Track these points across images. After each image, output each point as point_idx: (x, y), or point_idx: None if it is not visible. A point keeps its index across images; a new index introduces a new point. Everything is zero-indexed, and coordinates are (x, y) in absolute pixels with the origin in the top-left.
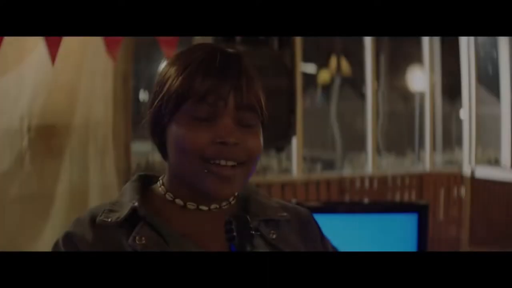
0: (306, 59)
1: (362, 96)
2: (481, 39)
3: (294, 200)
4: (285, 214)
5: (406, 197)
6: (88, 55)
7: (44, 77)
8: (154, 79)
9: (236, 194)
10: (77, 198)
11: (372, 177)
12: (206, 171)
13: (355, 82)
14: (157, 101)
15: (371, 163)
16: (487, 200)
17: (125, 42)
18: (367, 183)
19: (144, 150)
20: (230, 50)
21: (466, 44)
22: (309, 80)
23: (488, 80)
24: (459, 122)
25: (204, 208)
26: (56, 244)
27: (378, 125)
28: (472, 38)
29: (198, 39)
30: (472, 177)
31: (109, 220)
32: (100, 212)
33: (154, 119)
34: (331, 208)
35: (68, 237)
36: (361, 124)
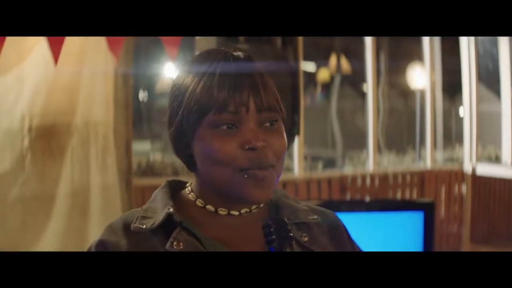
0: (306, 57)
1: (362, 94)
2: (481, 36)
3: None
4: (315, 217)
5: (407, 195)
6: (88, 55)
7: (44, 77)
8: (155, 78)
9: (266, 201)
10: (78, 198)
11: (373, 175)
12: (245, 176)
13: (355, 80)
14: (177, 117)
15: (372, 161)
16: (488, 197)
17: (126, 41)
18: (368, 181)
19: (144, 149)
20: (240, 54)
21: (467, 42)
22: (309, 78)
23: (489, 78)
24: (459, 119)
25: (235, 213)
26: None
27: (378, 123)
28: (472, 36)
29: (200, 39)
30: (473, 174)
31: (144, 226)
32: (133, 219)
33: (177, 134)
34: (333, 206)
35: (102, 244)
36: (361, 122)
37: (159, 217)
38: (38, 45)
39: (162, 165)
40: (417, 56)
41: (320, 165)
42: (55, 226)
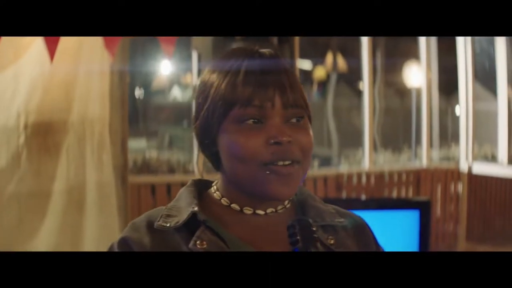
0: (303, 55)
1: (358, 93)
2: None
3: None
4: (342, 219)
5: (403, 193)
6: (84, 52)
7: (40, 74)
8: (151, 76)
9: (291, 197)
10: (73, 195)
11: (369, 173)
12: (268, 172)
13: (351, 79)
14: (202, 112)
15: (367, 159)
16: (484, 196)
17: (121, 40)
18: (364, 180)
19: (140, 147)
20: (266, 51)
21: (463, 41)
22: (306, 76)
23: (485, 76)
24: (455, 118)
25: (261, 212)
26: (111, 249)
27: (374, 121)
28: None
29: (196, 39)
30: (469, 173)
31: (168, 225)
32: (157, 217)
33: (202, 130)
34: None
35: (124, 241)
36: (357, 120)
37: (183, 215)
38: (35, 42)
39: (158, 163)
40: (414, 54)
41: (316, 163)
42: (50, 223)
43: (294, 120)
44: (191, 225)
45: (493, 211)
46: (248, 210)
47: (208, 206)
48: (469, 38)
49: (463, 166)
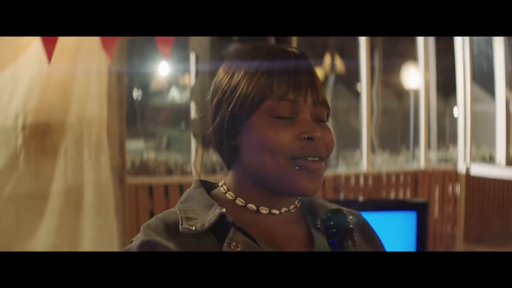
0: None
1: (356, 94)
2: (476, 37)
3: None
4: (351, 217)
5: (400, 195)
6: (82, 53)
7: (38, 75)
8: (149, 77)
9: (316, 193)
10: (71, 196)
11: (366, 174)
12: (296, 167)
13: (349, 80)
14: (231, 106)
15: (365, 161)
16: (482, 197)
17: (120, 40)
18: (361, 181)
19: (138, 148)
20: (295, 50)
21: (461, 42)
22: None
23: (483, 78)
24: (453, 119)
25: (276, 211)
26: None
27: (372, 122)
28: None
29: (194, 38)
30: (467, 175)
31: (194, 228)
32: (174, 219)
33: (225, 124)
34: None
35: (149, 245)
36: (355, 121)
37: (208, 217)
38: (33, 43)
39: (155, 164)
40: (412, 55)
41: None
42: (48, 224)
43: (320, 118)
44: (217, 227)
45: (491, 212)
46: (264, 210)
47: (226, 206)
48: (467, 40)
49: (461, 168)
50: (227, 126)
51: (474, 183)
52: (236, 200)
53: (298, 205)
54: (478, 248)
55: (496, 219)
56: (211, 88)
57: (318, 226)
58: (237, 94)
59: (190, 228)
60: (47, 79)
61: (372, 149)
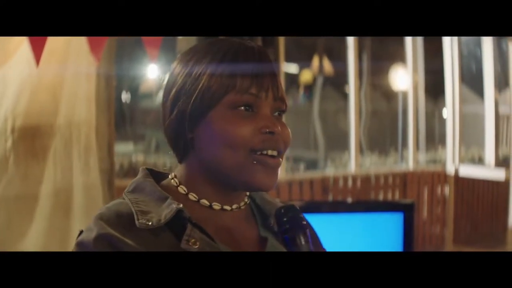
0: (288, 58)
1: (344, 96)
2: (464, 37)
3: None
4: (299, 214)
5: (389, 196)
6: (71, 56)
7: (27, 78)
8: (137, 80)
9: (272, 189)
10: (60, 198)
11: (355, 176)
12: (254, 162)
13: (337, 82)
14: (192, 98)
15: (354, 162)
16: (471, 198)
17: (108, 43)
18: (350, 182)
19: (127, 150)
20: (253, 44)
21: (450, 43)
22: (292, 80)
23: (472, 79)
24: (442, 120)
25: (227, 207)
26: (81, 246)
27: (361, 124)
28: (455, 37)
29: (181, 40)
30: (456, 176)
31: (150, 223)
32: (126, 211)
33: (184, 116)
34: (315, 207)
35: (105, 238)
36: (344, 123)
37: (164, 212)
38: (22, 46)
39: (144, 166)
40: (400, 57)
41: (302, 166)
42: (38, 226)
43: (277, 113)
44: (173, 222)
45: (480, 213)
46: (216, 206)
47: (181, 200)
48: (456, 41)
49: (450, 169)
50: (187, 118)
51: (463, 184)
52: (189, 195)
53: (248, 202)
54: (468, 249)
55: (485, 220)
56: (166, 81)
57: (271, 224)
58: (198, 87)
59: (147, 223)
60: (36, 82)
61: (360, 150)
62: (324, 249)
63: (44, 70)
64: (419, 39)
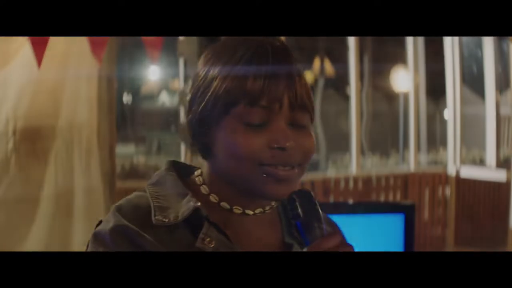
0: None
1: (346, 97)
2: (465, 39)
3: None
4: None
5: (390, 198)
6: (72, 57)
7: (29, 80)
8: (139, 81)
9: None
10: (62, 200)
11: (356, 177)
12: (264, 175)
13: (338, 83)
14: (204, 101)
15: (355, 164)
16: (472, 199)
17: (109, 44)
18: (351, 184)
19: (128, 152)
20: (277, 42)
21: (451, 44)
22: None
23: (473, 80)
24: (443, 122)
25: (250, 212)
26: (102, 239)
27: (362, 125)
28: (456, 38)
29: (182, 42)
30: (457, 177)
31: (167, 220)
32: (145, 205)
33: (196, 120)
34: None
35: (122, 230)
36: (345, 124)
37: (182, 209)
38: (23, 48)
39: (145, 168)
40: (401, 58)
41: None
42: (39, 229)
43: (299, 123)
44: (190, 220)
45: (481, 214)
46: (237, 210)
47: (200, 199)
48: (456, 42)
49: (451, 170)
50: (197, 123)
51: (464, 186)
52: (210, 196)
53: (275, 205)
54: (469, 250)
55: (486, 222)
56: (192, 78)
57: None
58: (209, 93)
59: (163, 220)
60: (37, 84)
61: (361, 152)
62: (341, 234)
63: (45, 73)
64: (420, 41)
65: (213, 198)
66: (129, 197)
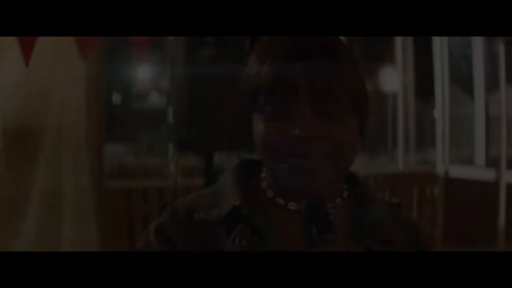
0: None
1: None
2: (454, 38)
3: None
4: (400, 234)
5: (379, 197)
6: (60, 58)
7: (17, 80)
8: (127, 81)
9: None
10: (51, 200)
11: None
12: (285, 165)
13: None
14: (238, 99)
15: None
16: (461, 199)
17: (97, 45)
18: None
19: (117, 152)
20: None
21: (439, 43)
22: None
23: (462, 79)
24: (432, 121)
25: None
26: (147, 235)
27: None
28: (445, 37)
29: (169, 44)
30: (446, 177)
31: (208, 217)
32: (197, 203)
33: (242, 118)
34: None
35: (161, 228)
36: None
37: (225, 206)
38: (11, 48)
39: (134, 168)
40: (389, 58)
41: None
42: (28, 229)
43: (327, 113)
44: (234, 218)
45: (470, 214)
46: (292, 206)
47: (253, 196)
48: (445, 41)
49: (440, 170)
50: (244, 120)
51: (453, 185)
52: (267, 191)
53: (346, 197)
54: (458, 250)
55: (475, 221)
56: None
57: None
58: (242, 89)
59: (205, 217)
60: (26, 85)
61: None
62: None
63: (34, 73)
64: (409, 40)
65: (270, 193)
66: (192, 194)
